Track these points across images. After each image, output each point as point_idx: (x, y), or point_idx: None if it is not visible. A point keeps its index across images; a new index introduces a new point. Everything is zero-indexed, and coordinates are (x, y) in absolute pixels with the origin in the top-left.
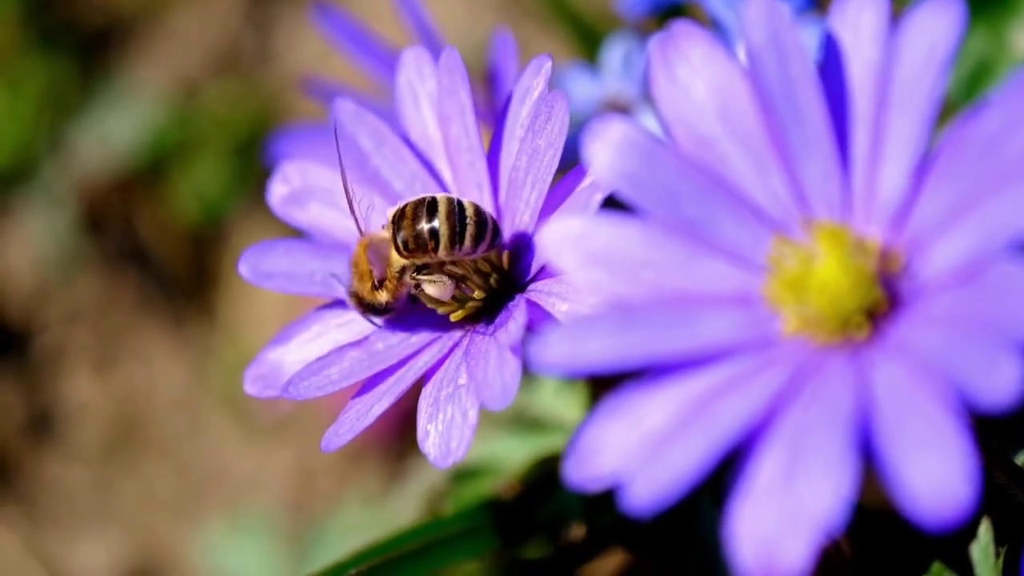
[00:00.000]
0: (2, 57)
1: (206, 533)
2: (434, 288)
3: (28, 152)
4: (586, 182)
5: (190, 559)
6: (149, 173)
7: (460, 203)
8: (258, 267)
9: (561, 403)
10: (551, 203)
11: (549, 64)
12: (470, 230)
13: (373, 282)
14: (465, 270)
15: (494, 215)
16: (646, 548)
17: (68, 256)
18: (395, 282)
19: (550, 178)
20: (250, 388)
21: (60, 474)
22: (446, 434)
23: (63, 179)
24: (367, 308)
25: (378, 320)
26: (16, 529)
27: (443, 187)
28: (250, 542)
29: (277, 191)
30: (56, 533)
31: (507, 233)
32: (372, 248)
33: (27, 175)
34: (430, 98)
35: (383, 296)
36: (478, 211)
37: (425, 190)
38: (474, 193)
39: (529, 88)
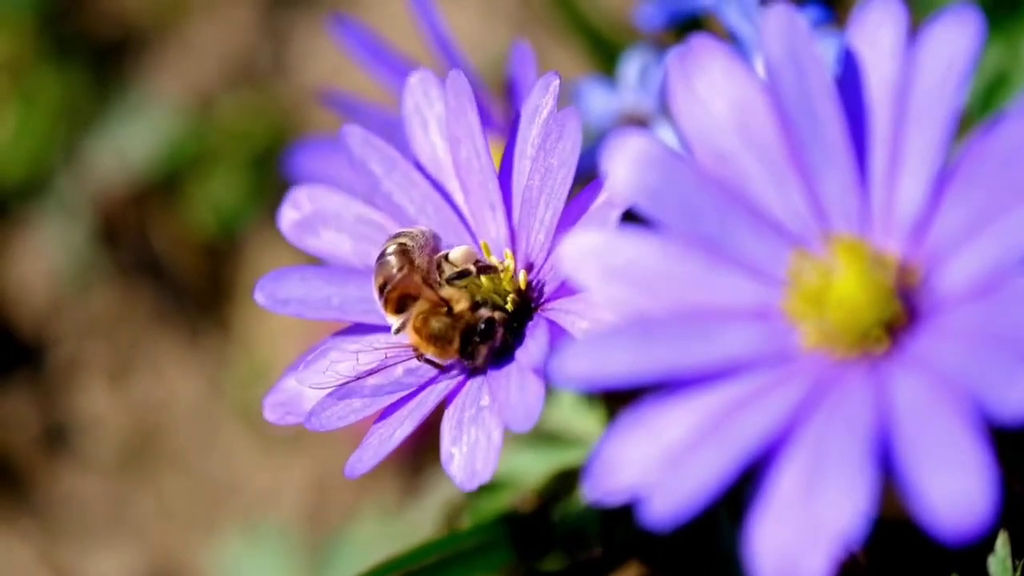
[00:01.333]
0: (17, 69)
1: (221, 546)
2: (457, 253)
3: (43, 164)
4: (601, 199)
5: (205, 572)
6: (164, 185)
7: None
8: (274, 295)
9: (579, 417)
10: (566, 221)
11: (557, 82)
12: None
13: (445, 308)
14: (484, 293)
15: (508, 235)
16: (664, 563)
17: (83, 268)
18: (445, 289)
19: (564, 196)
20: (270, 415)
21: (75, 486)
22: (471, 456)
23: (78, 191)
24: (480, 335)
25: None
26: (31, 541)
27: (455, 209)
28: (265, 555)
29: (288, 216)
30: (71, 546)
31: (522, 252)
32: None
33: (42, 187)
34: (438, 121)
35: (461, 304)
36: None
37: (437, 213)
38: (487, 213)
39: (538, 107)
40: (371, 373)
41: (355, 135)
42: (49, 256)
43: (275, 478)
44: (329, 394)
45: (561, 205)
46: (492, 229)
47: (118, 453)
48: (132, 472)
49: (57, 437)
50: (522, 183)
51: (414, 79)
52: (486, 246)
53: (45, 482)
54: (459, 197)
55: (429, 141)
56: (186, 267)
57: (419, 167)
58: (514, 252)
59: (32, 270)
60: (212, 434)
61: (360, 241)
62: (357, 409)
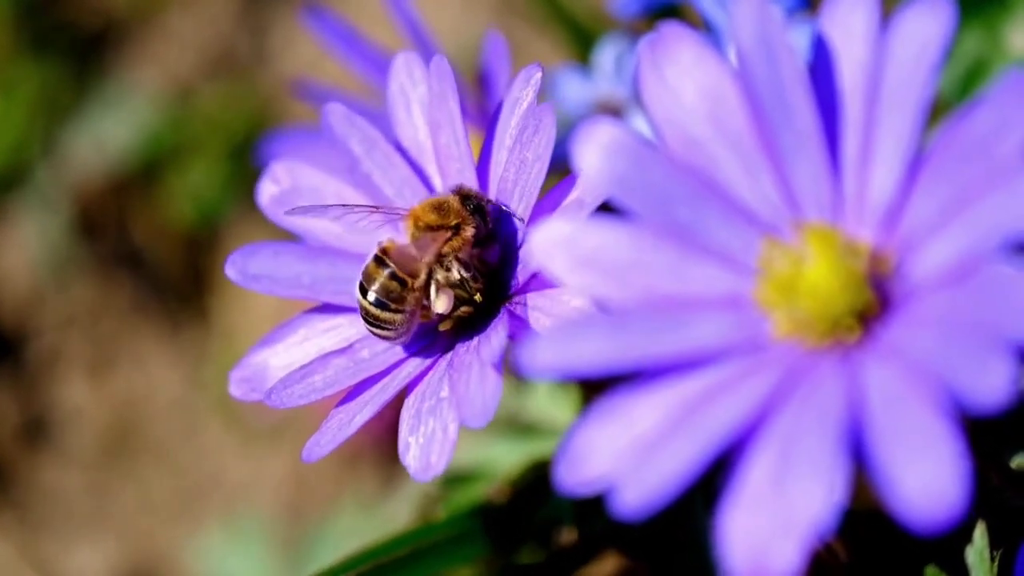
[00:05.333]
0: None
1: (202, 538)
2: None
3: (22, 156)
4: (573, 195)
5: (186, 564)
6: (143, 176)
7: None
8: (245, 270)
9: (554, 407)
10: (538, 214)
11: (539, 75)
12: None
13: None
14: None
15: None
16: (640, 551)
17: (62, 260)
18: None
19: (537, 190)
20: (235, 390)
21: (55, 479)
22: (427, 447)
23: (57, 183)
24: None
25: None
26: (11, 535)
27: (432, 193)
28: (245, 547)
29: (267, 191)
30: (51, 539)
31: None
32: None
33: (21, 179)
34: (421, 104)
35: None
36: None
37: (415, 196)
38: None
39: (519, 99)
40: (336, 353)
41: (337, 113)
42: (28, 248)
43: (255, 471)
44: (291, 372)
45: (533, 199)
46: None
47: (98, 446)
48: (112, 465)
49: (37, 430)
50: (498, 173)
51: (399, 60)
52: None
53: (25, 475)
54: (437, 182)
55: (412, 123)
56: (165, 258)
57: (400, 149)
58: None
59: (11, 262)
60: (192, 427)
61: (335, 219)
62: (318, 388)
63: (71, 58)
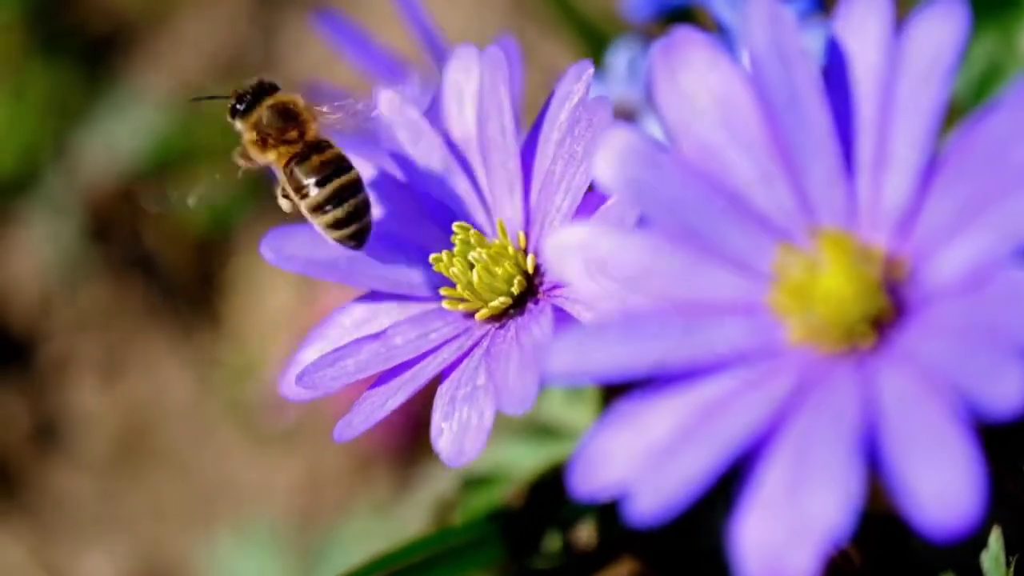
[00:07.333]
0: (6, 64)
1: (213, 543)
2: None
3: (33, 159)
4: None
5: (197, 569)
6: (155, 179)
7: None
8: (281, 250)
9: (571, 410)
10: (584, 211)
11: (591, 71)
12: None
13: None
14: (489, 273)
15: (523, 217)
16: (657, 557)
17: (73, 264)
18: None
19: (585, 185)
20: (286, 391)
21: (66, 484)
22: (460, 434)
23: (68, 186)
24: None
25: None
26: (22, 539)
27: (474, 183)
28: (257, 552)
29: None
30: (62, 543)
31: (535, 236)
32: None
33: (32, 183)
34: (474, 97)
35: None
36: None
37: (455, 185)
38: (506, 192)
39: (569, 93)
40: (370, 339)
41: (389, 99)
42: (39, 252)
43: (267, 475)
44: (323, 356)
45: (581, 194)
46: (509, 209)
47: (109, 450)
48: (123, 469)
49: (48, 434)
50: (544, 166)
51: (460, 51)
52: (501, 224)
53: (36, 480)
54: (480, 172)
55: (463, 116)
56: (177, 262)
57: (447, 140)
58: (527, 235)
59: (22, 266)
60: (203, 431)
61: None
62: (350, 371)
63: (82, 62)
